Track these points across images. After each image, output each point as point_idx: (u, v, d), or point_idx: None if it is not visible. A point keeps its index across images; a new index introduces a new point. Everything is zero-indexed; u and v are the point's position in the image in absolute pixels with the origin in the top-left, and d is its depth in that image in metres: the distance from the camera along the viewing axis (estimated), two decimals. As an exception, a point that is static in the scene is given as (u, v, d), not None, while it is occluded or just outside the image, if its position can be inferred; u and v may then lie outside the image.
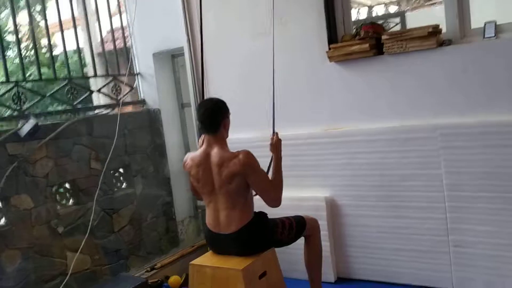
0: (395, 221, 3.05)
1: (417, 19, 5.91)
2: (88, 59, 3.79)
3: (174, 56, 4.13)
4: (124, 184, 3.85)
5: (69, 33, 3.56)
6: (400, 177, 2.99)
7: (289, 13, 2.97)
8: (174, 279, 3.32)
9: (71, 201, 3.49)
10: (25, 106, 3.22)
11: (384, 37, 2.90)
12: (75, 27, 3.58)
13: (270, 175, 2.67)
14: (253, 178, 2.51)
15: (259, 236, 2.62)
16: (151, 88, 4.05)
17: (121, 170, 3.83)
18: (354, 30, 3.11)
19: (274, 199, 2.60)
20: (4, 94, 3.18)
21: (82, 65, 3.71)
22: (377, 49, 2.97)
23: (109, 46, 3.99)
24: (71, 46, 3.62)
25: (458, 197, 2.81)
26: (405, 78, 2.91)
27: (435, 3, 6.78)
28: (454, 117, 2.77)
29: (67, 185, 3.47)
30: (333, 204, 3.25)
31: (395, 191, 3.02)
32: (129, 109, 3.98)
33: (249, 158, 2.49)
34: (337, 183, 3.23)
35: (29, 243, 3.16)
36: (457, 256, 2.88)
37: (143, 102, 4.07)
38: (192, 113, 3.96)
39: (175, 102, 4.17)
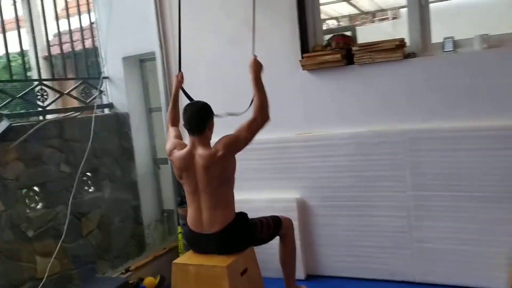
0: (363, 220, 3.27)
1: (366, 33, 6.27)
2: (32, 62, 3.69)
3: (142, 60, 4.16)
4: (92, 187, 3.82)
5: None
6: (368, 179, 3.21)
7: (263, 23, 3.11)
8: (148, 280, 3.34)
9: (40, 204, 3.42)
10: (-5, 107, 3.15)
11: (354, 48, 3.13)
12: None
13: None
14: (239, 140, 2.64)
15: (240, 236, 2.73)
16: (119, 92, 4.05)
17: (89, 173, 3.79)
18: (326, 41, 3.31)
19: (264, 119, 2.71)
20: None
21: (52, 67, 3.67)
22: (348, 59, 3.19)
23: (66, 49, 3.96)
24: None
25: (421, 196, 3.07)
26: (374, 87, 3.15)
27: (383, 20, 7.25)
28: (418, 123, 3.04)
29: (36, 188, 3.41)
30: (304, 205, 3.43)
31: (363, 191, 3.24)
32: (97, 112, 3.94)
33: (225, 140, 2.63)
34: (308, 185, 3.40)
35: (-1, 246, 3.08)
36: (419, 251, 3.13)
37: (111, 105, 4.05)
38: (162, 118, 4.00)
39: (143, 107, 4.19)
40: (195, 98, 2.95)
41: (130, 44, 3.96)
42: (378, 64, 3.08)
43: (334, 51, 3.17)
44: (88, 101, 3.83)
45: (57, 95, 3.69)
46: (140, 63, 4.17)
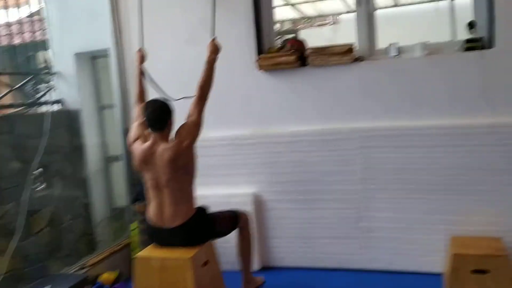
0: (315, 212, 3.47)
1: (307, 36, 6.56)
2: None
3: (94, 57, 4.13)
4: (43, 184, 3.74)
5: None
6: (320, 173, 3.42)
7: (220, 23, 3.23)
8: (105, 276, 3.35)
9: (-12, 202, 3.32)
10: None
11: (308, 51, 3.32)
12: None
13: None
14: (193, 122, 2.77)
15: (201, 229, 2.83)
16: (70, 88, 4.00)
17: (40, 170, 3.71)
18: (281, 43, 3.48)
19: (206, 97, 2.86)
20: None
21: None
22: (301, 61, 3.38)
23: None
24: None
25: (369, 189, 3.33)
26: (326, 88, 3.36)
27: (323, 25, 7.59)
28: (368, 122, 3.29)
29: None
30: (259, 199, 3.57)
31: (315, 186, 3.44)
32: (47, 108, 3.87)
33: (181, 130, 2.75)
34: (263, 180, 3.56)
35: None
36: (366, 240, 3.38)
37: (61, 102, 3.99)
38: (114, 115, 3.99)
39: (95, 104, 4.15)
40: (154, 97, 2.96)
41: (83, 40, 3.92)
42: (330, 66, 3.29)
43: (288, 53, 3.35)
44: (38, 96, 3.76)
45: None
46: (91, 60, 4.13)
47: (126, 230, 4.01)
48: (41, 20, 3.96)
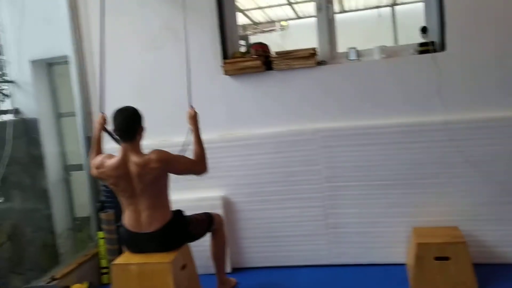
0: (283, 212, 3.57)
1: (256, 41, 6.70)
2: None
3: (51, 64, 4.02)
4: (2, 197, 3.61)
5: None
6: (286, 174, 3.53)
7: (186, 28, 3.26)
8: (76, 287, 3.27)
9: None
10: None
11: (273, 55, 3.43)
12: None
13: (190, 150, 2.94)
14: (174, 166, 2.75)
15: (178, 232, 2.85)
16: (26, 97, 3.88)
17: (-3, 182, 3.58)
18: (246, 48, 3.57)
19: (202, 169, 2.90)
20: None
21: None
22: (267, 66, 3.48)
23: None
24: None
25: (334, 187, 3.47)
26: (291, 90, 3.48)
27: (271, 31, 7.77)
28: (330, 122, 3.44)
29: None
30: (228, 202, 3.63)
31: (283, 186, 3.54)
32: (3, 118, 3.74)
33: (161, 154, 2.69)
34: (231, 183, 3.62)
35: None
36: (333, 236, 3.53)
37: (18, 111, 3.86)
38: (73, 123, 3.91)
39: (52, 112, 4.04)
40: (117, 103, 2.83)
41: (38, 47, 3.82)
42: (294, 70, 3.42)
43: (254, 58, 3.44)
44: (-7, 106, 3.63)
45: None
46: (48, 67, 4.02)
47: (91, 240, 3.94)
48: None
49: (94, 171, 2.81)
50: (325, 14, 3.48)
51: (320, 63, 3.45)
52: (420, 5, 3.75)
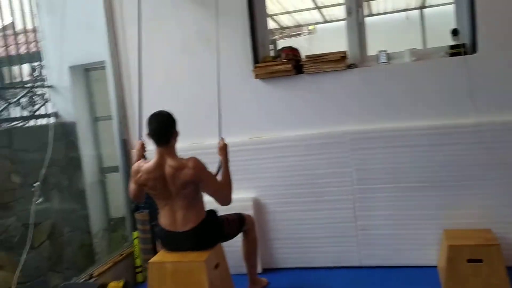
0: (312, 213, 3.61)
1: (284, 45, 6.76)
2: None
3: (88, 70, 4.18)
4: (42, 198, 3.75)
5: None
6: (316, 176, 3.57)
7: (219, 34, 3.37)
8: (113, 285, 3.38)
9: (-8, 216, 3.33)
10: None
11: (304, 59, 3.49)
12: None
13: (219, 177, 3.00)
14: (204, 182, 2.79)
15: (211, 232, 2.92)
16: (64, 101, 4.03)
17: (38, 183, 3.72)
18: (276, 52, 3.63)
19: (226, 198, 2.92)
20: None
21: None
22: (297, 69, 3.54)
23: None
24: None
25: (364, 189, 3.49)
26: (321, 93, 3.53)
27: (298, 35, 7.82)
28: (360, 125, 3.47)
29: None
30: (259, 203, 3.70)
31: (312, 188, 3.58)
32: (43, 121, 3.90)
33: (197, 166, 2.74)
34: (262, 185, 3.68)
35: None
36: (362, 238, 3.55)
37: (56, 115, 4.01)
38: (109, 127, 4.04)
39: (89, 116, 4.19)
40: (151, 107, 2.93)
41: (77, 53, 3.97)
42: (324, 73, 3.47)
43: (284, 62, 3.50)
44: (34, 110, 3.78)
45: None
46: (85, 72, 4.18)
47: (125, 240, 4.06)
48: (35, 32, 3.97)
49: (134, 179, 2.88)
50: (355, 17, 3.52)
51: (350, 66, 3.48)
52: (450, 8, 3.75)
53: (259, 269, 3.64)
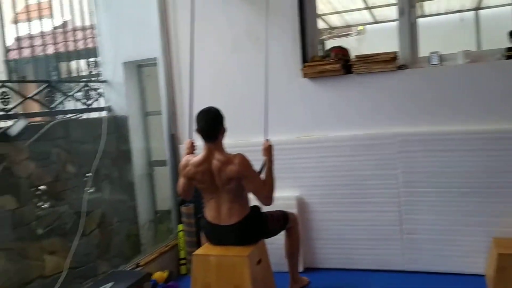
0: (356, 215, 3.59)
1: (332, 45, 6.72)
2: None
3: (140, 66, 4.31)
4: (93, 188, 3.91)
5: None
6: (362, 177, 3.54)
7: (268, 32, 3.40)
8: (158, 275, 3.49)
9: (48, 203, 3.49)
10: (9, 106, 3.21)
11: (353, 59, 3.47)
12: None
13: (262, 176, 3.02)
14: (247, 180, 2.82)
15: (255, 228, 2.95)
16: (117, 96, 4.17)
17: (91, 174, 3.88)
18: (325, 52, 3.63)
19: (267, 198, 2.93)
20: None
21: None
22: (346, 69, 3.52)
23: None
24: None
25: (410, 192, 3.44)
26: (369, 94, 3.50)
27: (347, 35, 7.75)
28: (409, 127, 3.42)
29: (45, 187, 3.47)
30: (302, 202, 3.71)
31: (357, 189, 3.56)
32: (97, 115, 4.07)
33: (243, 163, 2.78)
34: (306, 184, 3.69)
35: (12, 244, 3.13)
36: (407, 242, 3.49)
37: (109, 108, 4.17)
38: (158, 121, 4.16)
39: (140, 110, 4.33)
40: (200, 103, 3.01)
41: (130, 49, 4.10)
42: (374, 74, 3.44)
43: (333, 61, 3.49)
44: (89, 103, 3.95)
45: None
46: (138, 68, 4.32)
47: (171, 232, 4.16)
48: (91, 29, 4.14)
49: (183, 173, 2.95)
50: (407, 18, 3.46)
51: (401, 67, 3.43)
52: (507, 9, 3.63)
53: (300, 268, 3.65)
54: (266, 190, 2.92)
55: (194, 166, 2.87)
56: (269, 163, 3.05)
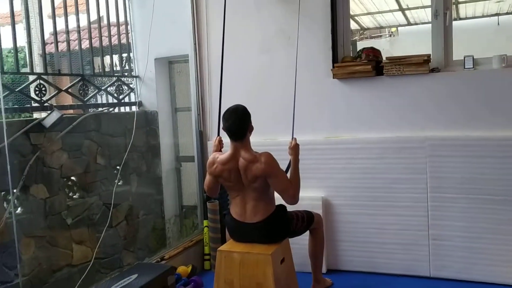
0: (383, 218, 3.54)
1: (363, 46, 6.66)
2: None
3: (171, 62, 4.37)
4: (122, 181, 3.98)
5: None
6: (390, 181, 3.50)
7: (299, 32, 3.39)
8: (181, 269, 3.53)
9: (78, 194, 3.58)
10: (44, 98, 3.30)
11: (384, 60, 3.44)
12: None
13: (288, 175, 3.01)
14: (273, 179, 2.81)
15: (279, 226, 2.95)
16: (148, 91, 4.24)
17: (119, 167, 3.95)
18: (357, 53, 3.60)
19: (292, 197, 2.89)
20: (28, 85, 3.24)
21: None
22: (377, 71, 3.49)
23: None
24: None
25: (439, 198, 3.38)
26: (400, 96, 3.46)
27: (379, 37, 7.67)
28: (440, 131, 3.36)
29: (75, 178, 3.56)
30: (328, 203, 3.69)
31: (384, 192, 3.52)
32: (128, 109, 4.14)
33: (269, 162, 2.77)
34: (332, 185, 3.67)
35: (42, 232, 3.22)
36: (435, 248, 3.43)
37: (140, 103, 4.24)
38: (187, 117, 4.21)
39: (170, 106, 4.39)
40: (229, 101, 3.00)
41: (162, 45, 4.16)
42: (406, 76, 3.39)
43: (364, 62, 3.46)
44: (121, 97, 4.02)
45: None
46: (169, 65, 4.38)
47: (195, 228, 4.21)
48: (125, 25, 4.21)
49: (210, 170, 2.95)
50: (442, 20, 3.40)
51: (433, 70, 3.38)
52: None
53: (324, 269, 3.63)
54: (292, 189, 2.90)
55: (220, 164, 2.88)
56: (295, 162, 3.04)
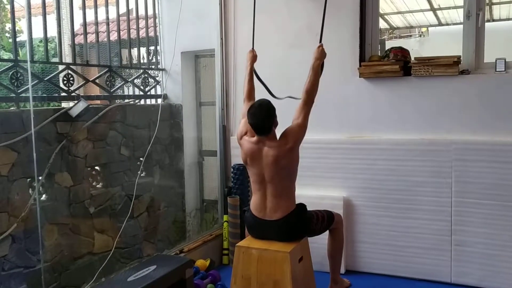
0: (404, 221, 3.49)
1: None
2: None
3: (197, 56, 4.39)
4: (144, 172, 4.02)
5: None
6: (413, 183, 3.44)
7: (327, 30, 3.35)
8: (200, 263, 3.55)
9: (101, 183, 3.63)
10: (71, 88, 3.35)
11: (412, 61, 3.37)
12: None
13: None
14: (299, 125, 2.84)
15: (299, 225, 2.93)
16: (174, 85, 4.27)
17: (142, 158, 3.99)
18: (385, 52, 3.54)
19: (312, 102, 2.92)
20: (56, 75, 3.29)
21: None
22: (405, 71, 3.43)
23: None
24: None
25: (463, 203, 3.31)
26: (428, 98, 3.39)
27: (408, 37, 7.55)
28: (467, 135, 3.29)
29: (99, 168, 3.61)
30: (349, 203, 3.65)
31: (407, 195, 3.46)
32: (153, 101, 4.18)
33: (288, 135, 2.82)
34: (355, 185, 3.63)
35: (66, 220, 3.28)
36: (457, 254, 3.36)
37: (165, 96, 4.27)
38: (216, 112, 4.21)
39: (194, 100, 4.41)
40: (257, 98, 3.06)
41: (189, 39, 4.17)
42: (434, 77, 3.32)
43: (392, 62, 3.41)
44: (146, 90, 4.06)
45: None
46: (195, 59, 4.39)
47: (215, 222, 4.22)
48: (154, 18, 4.24)
49: (238, 136, 3.03)
50: (474, 22, 3.32)
51: (463, 72, 3.30)
52: None
53: (342, 270, 3.59)
54: (307, 94, 2.90)
55: (246, 146, 2.91)
56: (318, 60, 2.98)
